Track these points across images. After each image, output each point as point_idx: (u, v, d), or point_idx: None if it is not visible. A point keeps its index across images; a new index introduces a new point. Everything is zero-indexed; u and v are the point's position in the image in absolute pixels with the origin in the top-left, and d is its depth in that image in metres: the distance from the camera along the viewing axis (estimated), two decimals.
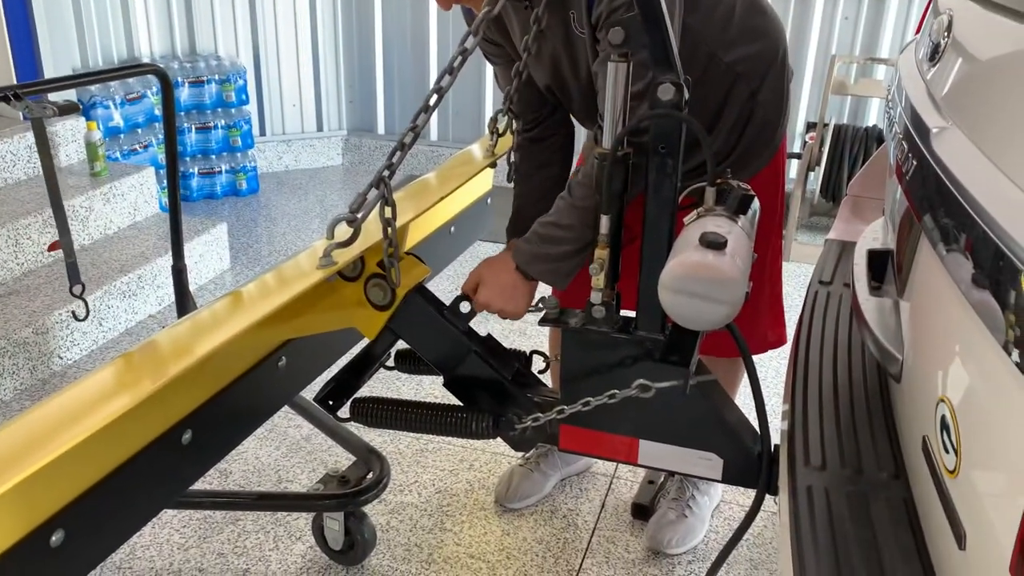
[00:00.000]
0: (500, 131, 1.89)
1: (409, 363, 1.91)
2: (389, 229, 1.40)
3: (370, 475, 1.97)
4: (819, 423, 1.32)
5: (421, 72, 4.93)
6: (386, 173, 1.35)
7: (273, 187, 4.77)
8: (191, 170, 4.42)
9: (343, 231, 1.36)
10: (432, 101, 1.37)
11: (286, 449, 2.46)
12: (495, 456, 2.46)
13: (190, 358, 1.22)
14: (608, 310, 1.56)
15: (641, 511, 2.22)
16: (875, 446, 1.24)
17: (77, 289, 2.25)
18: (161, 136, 4.17)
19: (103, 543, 1.26)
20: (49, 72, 3.79)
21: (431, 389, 2.72)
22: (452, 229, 2.23)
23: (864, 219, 2.05)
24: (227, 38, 4.67)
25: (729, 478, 1.58)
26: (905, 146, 1.16)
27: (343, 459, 2.30)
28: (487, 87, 4.81)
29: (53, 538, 1.12)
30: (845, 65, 4.13)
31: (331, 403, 1.76)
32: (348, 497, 1.90)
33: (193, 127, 4.38)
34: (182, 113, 4.33)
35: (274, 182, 4.84)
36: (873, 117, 4.34)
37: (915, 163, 1.08)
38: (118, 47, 4.29)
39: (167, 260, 3.25)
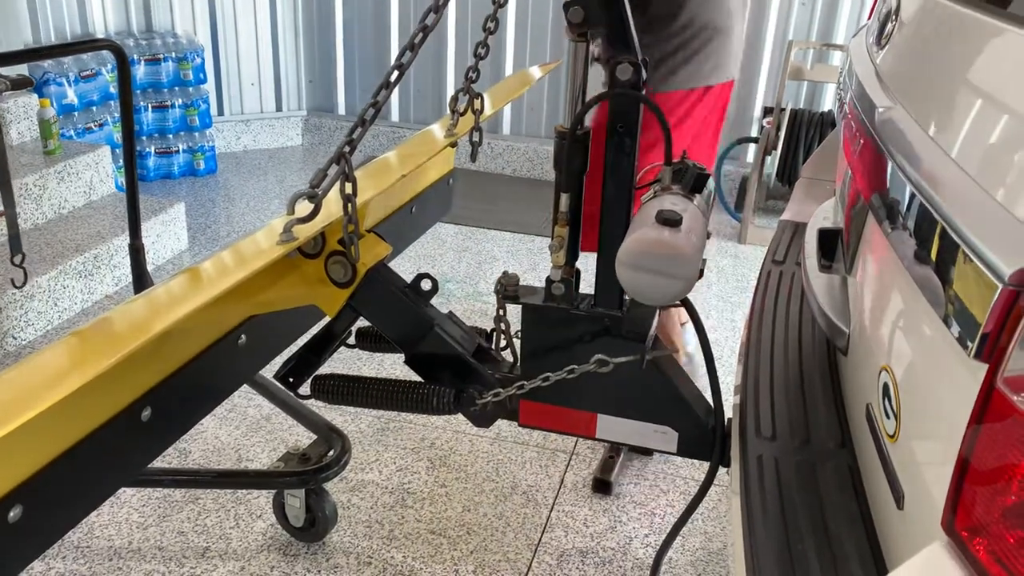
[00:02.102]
0: (461, 111, 1.90)
1: (370, 341, 1.92)
2: (349, 205, 1.41)
3: (331, 453, 1.98)
4: (770, 396, 1.36)
5: (382, 52, 4.90)
6: (347, 149, 1.36)
7: (232, 167, 4.72)
8: (148, 149, 4.35)
9: (304, 207, 1.36)
10: (393, 77, 1.37)
11: (246, 428, 2.46)
12: (456, 435, 2.48)
13: (147, 333, 1.21)
14: (567, 287, 1.59)
15: (602, 486, 2.26)
16: (823, 417, 1.28)
17: (18, 259, 2.26)
18: (117, 114, 4.10)
19: (62, 519, 1.26)
20: None
21: (392, 368, 2.73)
22: (413, 209, 2.23)
23: (816, 201, 2.10)
24: (184, 15, 4.59)
25: (684, 451, 1.63)
26: (853, 126, 1.19)
27: (304, 438, 2.30)
28: (448, 67, 4.80)
29: (11, 514, 1.11)
30: (802, 51, 4.20)
31: (292, 380, 1.77)
32: (309, 474, 1.91)
33: (150, 106, 4.31)
34: (138, 91, 4.26)
35: (232, 162, 4.78)
36: (828, 102, 4.41)
37: (862, 142, 1.11)
38: (71, 23, 4.20)
39: (124, 240, 3.21)
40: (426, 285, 1.73)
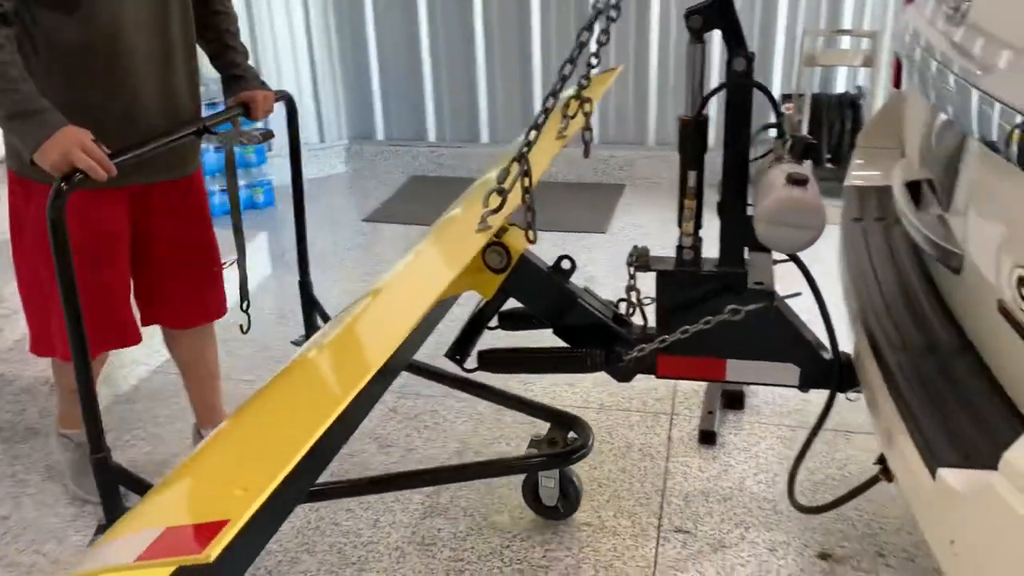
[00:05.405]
0: (571, 114, 2.19)
1: (511, 321, 2.19)
2: (528, 196, 1.69)
3: (571, 435, 2.15)
4: (889, 318, 1.64)
5: (416, 78, 5.18)
6: (525, 149, 1.65)
7: (286, 199, 4.94)
8: (212, 187, 4.62)
9: (494, 200, 1.64)
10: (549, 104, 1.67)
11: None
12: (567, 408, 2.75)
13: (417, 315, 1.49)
14: (696, 252, 1.88)
15: (708, 437, 2.53)
16: (939, 329, 1.57)
17: (244, 305, 2.35)
18: None
19: None
20: None
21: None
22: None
23: (877, 166, 2.39)
24: None
25: (806, 383, 1.90)
26: (948, 90, 1.48)
27: (530, 430, 2.41)
28: (535, 85, 5.07)
29: None
30: (813, 39, 4.50)
31: (458, 358, 2.05)
32: (565, 456, 2.10)
33: (211, 147, 4.59)
34: None
35: (285, 194, 5.02)
36: (842, 85, 4.72)
37: (969, 101, 1.39)
38: None
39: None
40: (566, 264, 2.02)
